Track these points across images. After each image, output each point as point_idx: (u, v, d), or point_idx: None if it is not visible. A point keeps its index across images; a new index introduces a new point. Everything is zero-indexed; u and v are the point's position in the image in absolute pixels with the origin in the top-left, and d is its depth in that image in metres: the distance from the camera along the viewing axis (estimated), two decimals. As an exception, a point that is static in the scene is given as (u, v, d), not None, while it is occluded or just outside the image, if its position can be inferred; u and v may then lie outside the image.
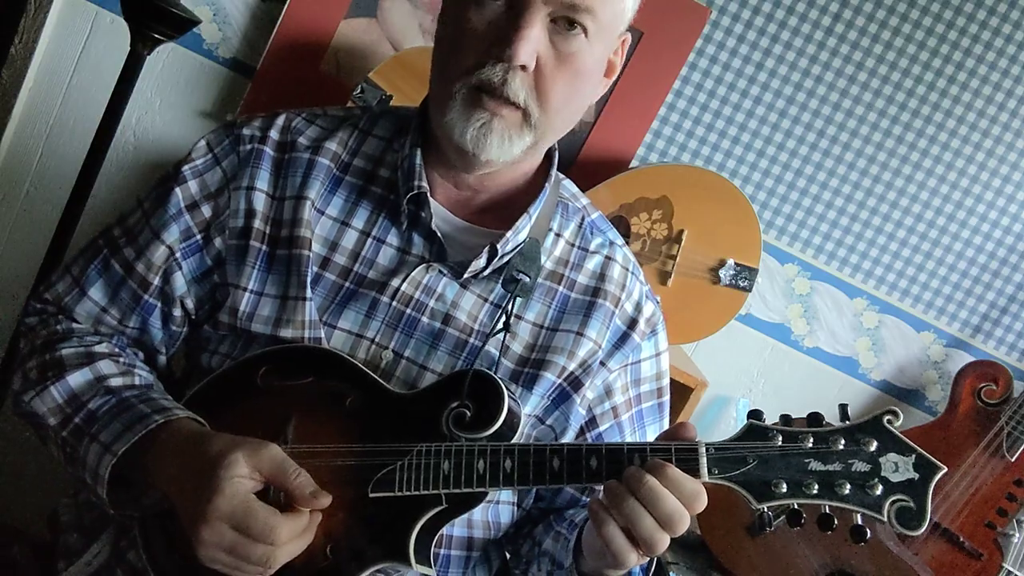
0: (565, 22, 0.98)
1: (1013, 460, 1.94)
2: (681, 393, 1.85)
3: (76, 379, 1.02)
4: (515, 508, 1.15)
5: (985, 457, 1.96)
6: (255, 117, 1.13)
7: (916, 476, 0.86)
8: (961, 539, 1.94)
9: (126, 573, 1.05)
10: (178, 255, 1.08)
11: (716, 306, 1.97)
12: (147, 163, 1.93)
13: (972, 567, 1.93)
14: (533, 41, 0.96)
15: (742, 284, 1.96)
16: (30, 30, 1.80)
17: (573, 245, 1.15)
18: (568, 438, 1.11)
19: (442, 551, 1.08)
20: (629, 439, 1.15)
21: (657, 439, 0.95)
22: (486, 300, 1.08)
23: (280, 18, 1.84)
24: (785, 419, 0.91)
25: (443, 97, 1.01)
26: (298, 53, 1.86)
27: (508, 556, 1.19)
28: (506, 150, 1.01)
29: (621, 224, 1.92)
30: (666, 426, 1.21)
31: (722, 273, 1.95)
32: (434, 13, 1.87)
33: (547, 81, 0.99)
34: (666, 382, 1.20)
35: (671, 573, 1.79)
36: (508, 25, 0.96)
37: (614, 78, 1.12)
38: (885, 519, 0.86)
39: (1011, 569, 1.90)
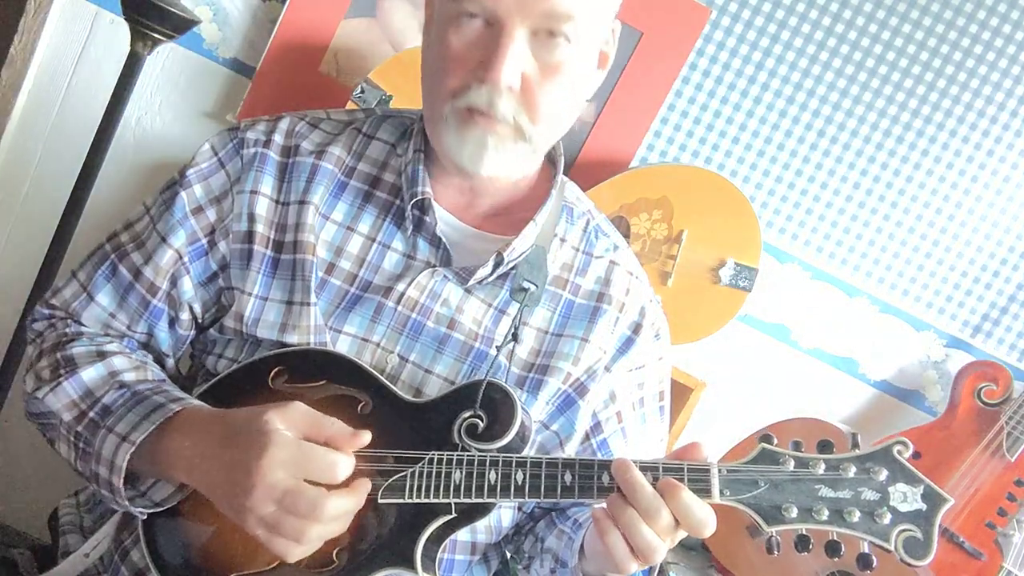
0: (546, 34, 0.96)
1: (1013, 460, 1.94)
2: (681, 393, 1.85)
3: (90, 374, 1.01)
4: (516, 512, 1.15)
5: (985, 457, 1.96)
6: (259, 121, 1.13)
7: (924, 507, 0.88)
8: (961, 539, 1.94)
9: (130, 571, 1.05)
10: (186, 259, 1.08)
11: (716, 306, 1.97)
12: (147, 163, 1.93)
13: (972, 567, 1.93)
14: (515, 61, 0.95)
15: (742, 284, 1.96)
16: (30, 30, 1.80)
17: (578, 250, 1.15)
18: (573, 443, 1.11)
19: (445, 555, 1.08)
20: (632, 443, 1.16)
21: (668, 457, 0.95)
22: (491, 305, 1.08)
23: (280, 18, 1.84)
24: (795, 444, 0.92)
25: (435, 118, 1.01)
26: (298, 53, 1.86)
27: (509, 555, 1.19)
28: (503, 165, 1.01)
29: (621, 224, 1.92)
30: (667, 429, 1.21)
31: (722, 273, 1.95)
32: (434, 13, 1.87)
33: (535, 95, 0.98)
34: (668, 385, 1.21)
35: (671, 573, 1.79)
36: (489, 47, 0.95)
37: (607, 68, 1.10)
38: (892, 548, 0.87)
39: (1011, 569, 1.90)
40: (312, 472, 0.87)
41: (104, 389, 1.00)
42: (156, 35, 1.61)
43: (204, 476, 0.92)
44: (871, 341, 2.16)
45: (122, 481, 0.95)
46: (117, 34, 1.84)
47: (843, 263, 2.12)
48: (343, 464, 0.88)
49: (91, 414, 0.99)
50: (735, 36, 1.97)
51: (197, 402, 0.98)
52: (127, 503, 0.97)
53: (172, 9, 1.58)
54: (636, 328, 1.14)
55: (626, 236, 1.91)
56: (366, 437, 0.91)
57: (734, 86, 2.00)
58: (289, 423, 0.89)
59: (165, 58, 1.87)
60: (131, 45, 1.63)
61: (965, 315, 2.16)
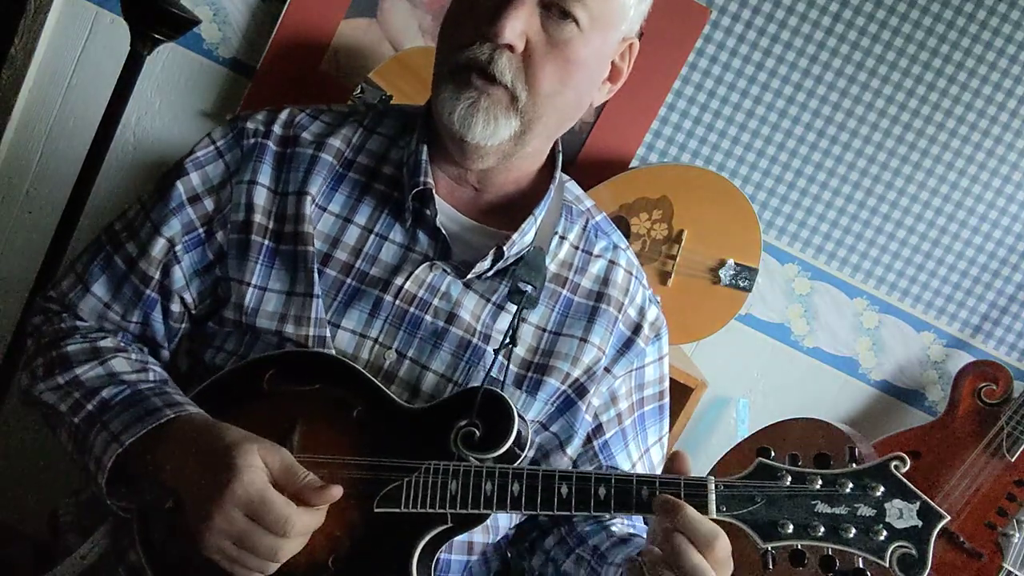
0: (558, 11, 0.99)
1: (1013, 460, 1.94)
2: (681, 393, 1.85)
3: (86, 372, 1.02)
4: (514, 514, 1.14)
5: (985, 457, 1.96)
6: (259, 111, 1.13)
7: (919, 523, 0.87)
8: (961, 539, 1.94)
9: (127, 572, 1.05)
10: (178, 249, 1.07)
11: (716, 306, 1.97)
12: (147, 163, 1.93)
13: (972, 567, 1.94)
14: (520, 21, 0.97)
15: (742, 284, 1.96)
16: (30, 30, 1.80)
17: (577, 248, 1.14)
18: (574, 445, 1.11)
19: (442, 555, 1.08)
20: (632, 443, 1.15)
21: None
22: (489, 300, 1.08)
23: (280, 18, 1.84)
24: (792, 458, 0.91)
25: (438, 77, 1.03)
26: (298, 53, 1.86)
27: (510, 556, 1.19)
28: (491, 132, 1.01)
29: (621, 224, 1.92)
30: (666, 428, 1.21)
31: (722, 273, 1.95)
32: (434, 13, 1.87)
33: (535, 65, 1.00)
34: (667, 385, 1.20)
35: None
36: (500, 7, 0.98)
37: (619, 84, 1.11)
38: (887, 565, 0.86)
39: (1011, 569, 1.90)
40: (265, 521, 0.87)
41: (102, 385, 1.00)
42: (156, 35, 1.60)
43: (183, 485, 0.93)
44: (871, 341, 2.16)
45: (105, 479, 0.95)
46: (117, 34, 1.84)
47: (843, 263, 2.12)
48: (295, 523, 0.87)
49: (89, 407, 0.99)
50: (735, 36, 1.97)
51: (195, 409, 0.98)
52: (107, 500, 0.98)
53: (172, 9, 1.58)
54: (636, 328, 1.14)
55: (626, 236, 1.91)
56: (337, 491, 0.90)
57: (734, 86, 2.00)
58: (266, 462, 0.89)
59: (165, 58, 1.87)
60: (131, 45, 1.62)
61: (965, 315, 2.16)
